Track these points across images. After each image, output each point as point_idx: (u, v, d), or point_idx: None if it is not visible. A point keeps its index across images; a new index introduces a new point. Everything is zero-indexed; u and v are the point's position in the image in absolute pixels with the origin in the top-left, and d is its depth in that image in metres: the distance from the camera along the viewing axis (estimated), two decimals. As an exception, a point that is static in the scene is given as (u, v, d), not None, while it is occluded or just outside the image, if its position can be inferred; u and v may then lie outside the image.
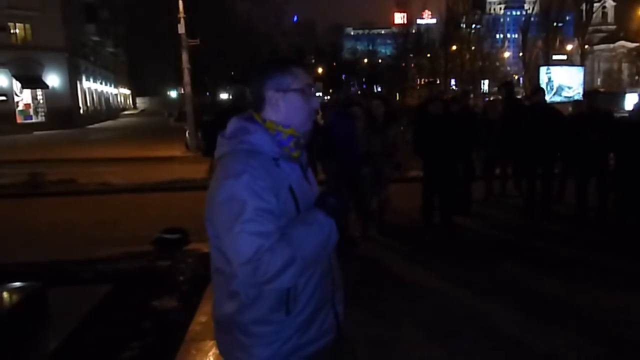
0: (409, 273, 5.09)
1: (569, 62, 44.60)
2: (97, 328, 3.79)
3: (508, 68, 67.87)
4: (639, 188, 6.46)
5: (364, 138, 6.00)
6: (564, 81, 26.80)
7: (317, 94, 28.27)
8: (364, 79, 65.29)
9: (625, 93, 31.03)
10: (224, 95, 43.86)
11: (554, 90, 25.98)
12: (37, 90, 33.17)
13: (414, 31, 58.75)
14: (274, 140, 1.59)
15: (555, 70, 28.20)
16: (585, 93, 7.94)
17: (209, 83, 40.59)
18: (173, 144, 18.30)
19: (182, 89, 21.95)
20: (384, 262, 5.48)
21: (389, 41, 70.55)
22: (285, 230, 1.49)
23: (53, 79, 33.33)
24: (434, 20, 70.22)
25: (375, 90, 54.00)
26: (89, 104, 40.94)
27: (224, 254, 1.55)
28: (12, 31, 31.86)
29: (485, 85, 49.30)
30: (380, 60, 70.88)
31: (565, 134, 6.60)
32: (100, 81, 45.87)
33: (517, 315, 4.00)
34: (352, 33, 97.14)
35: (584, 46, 44.64)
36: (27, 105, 33.00)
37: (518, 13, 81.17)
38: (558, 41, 48.86)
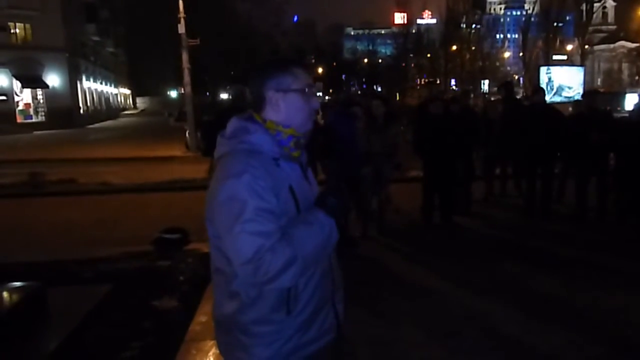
0: (409, 273, 5.09)
1: (569, 62, 44.61)
2: (97, 328, 3.79)
3: (508, 68, 67.87)
4: (639, 188, 6.46)
5: (364, 138, 6.00)
6: (564, 81, 26.80)
7: (318, 94, 28.22)
8: (364, 79, 65.30)
9: (625, 93, 31.03)
10: (224, 95, 43.83)
11: (554, 90, 25.99)
12: (37, 90, 33.17)
13: (414, 31, 58.75)
14: (274, 140, 1.59)
15: (556, 70, 28.20)
16: (584, 93, 7.94)
17: (209, 83, 40.59)
18: (173, 144, 18.31)
19: (182, 89, 21.95)
20: (384, 262, 5.48)
21: (389, 41, 70.55)
22: (285, 230, 1.49)
23: (53, 79, 33.33)
24: (434, 20, 70.19)
25: (376, 90, 53.98)
26: (89, 104, 40.94)
27: (224, 254, 1.55)
28: (12, 31, 31.86)
29: (485, 85, 49.26)
30: (380, 60, 70.88)
31: (565, 134, 6.61)
32: (100, 81, 45.87)
33: (517, 315, 4.00)
34: (352, 33, 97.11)
35: (584, 46, 44.64)
36: (27, 105, 33.00)
37: (518, 13, 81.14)
38: (558, 41, 48.85)
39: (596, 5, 46.40)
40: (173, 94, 59.27)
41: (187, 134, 17.43)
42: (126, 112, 57.86)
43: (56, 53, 32.80)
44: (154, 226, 6.16)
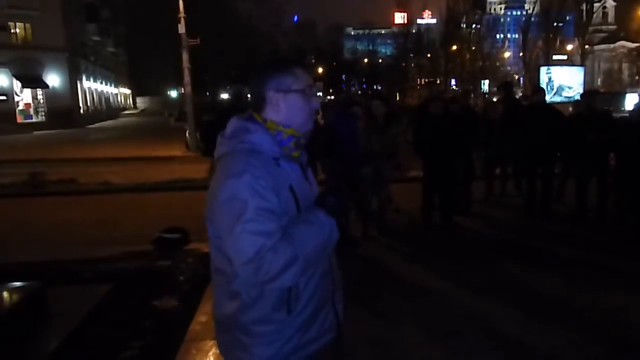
0: (409, 273, 5.09)
1: (569, 62, 44.60)
2: (97, 328, 3.79)
3: (508, 68, 67.87)
4: (639, 188, 6.46)
5: (364, 138, 6.00)
6: (564, 81, 26.80)
7: (318, 94, 28.25)
8: (364, 79, 65.29)
9: (625, 93, 31.04)
10: (224, 95, 43.84)
11: (554, 90, 25.99)
12: (38, 89, 33.18)
13: (414, 31, 58.71)
14: (274, 140, 1.59)
15: (556, 70, 28.20)
16: (583, 93, 7.95)
17: (210, 83, 40.60)
18: (173, 144, 18.31)
19: (183, 89, 21.94)
20: (384, 262, 5.48)
21: (389, 41, 70.52)
22: (286, 229, 1.49)
23: (53, 79, 33.33)
24: (434, 20, 70.18)
25: (377, 90, 54.00)
26: (89, 104, 40.95)
27: (224, 254, 1.55)
28: (12, 31, 31.85)
29: (485, 85, 49.26)
30: (380, 60, 70.88)
31: (565, 134, 6.61)
32: (100, 81, 45.88)
33: (517, 315, 4.00)
34: (352, 33, 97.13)
35: (584, 46, 44.64)
36: (27, 105, 33.01)
37: (518, 13, 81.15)
38: (558, 41, 48.85)
39: (596, 5, 46.40)
40: (173, 93, 59.27)
41: (187, 134, 17.44)
42: (126, 112, 57.86)
43: (56, 53, 32.81)
44: (154, 226, 6.16)
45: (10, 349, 3.33)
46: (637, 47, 54.01)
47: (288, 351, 1.59)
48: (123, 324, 3.81)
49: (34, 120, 32.73)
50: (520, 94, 28.82)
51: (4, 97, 31.20)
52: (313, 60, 64.65)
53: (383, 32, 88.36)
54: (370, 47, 75.76)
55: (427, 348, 3.54)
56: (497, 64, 62.71)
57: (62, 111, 32.74)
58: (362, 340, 3.60)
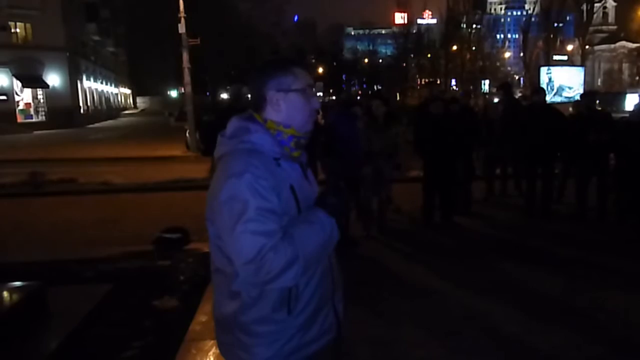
0: (409, 273, 5.09)
1: (569, 63, 44.61)
2: (97, 328, 3.79)
3: (509, 68, 67.91)
4: (639, 188, 6.46)
5: (364, 138, 6.00)
6: (564, 81, 26.78)
7: (318, 94, 28.28)
8: (364, 79, 65.28)
9: (625, 93, 31.05)
10: (224, 95, 43.86)
11: (555, 91, 25.98)
12: (38, 89, 33.19)
13: (414, 31, 58.66)
14: (274, 140, 1.59)
15: (556, 71, 28.18)
16: (582, 94, 7.95)
17: (210, 83, 40.60)
18: (173, 144, 18.31)
19: (183, 89, 21.94)
20: (384, 262, 5.48)
21: (389, 41, 70.56)
22: (287, 229, 1.49)
23: (53, 79, 33.34)
24: (434, 20, 70.21)
25: (377, 90, 54.03)
26: (89, 104, 40.96)
27: (224, 254, 1.55)
28: (12, 30, 31.83)
29: (485, 85, 49.26)
30: (380, 60, 70.89)
31: (565, 134, 6.61)
32: (100, 81, 45.89)
33: (517, 315, 4.00)
34: (352, 33, 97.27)
35: (584, 46, 44.59)
36: (27, 105, 33.01)
37: (519, 13, 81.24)
38: (559, 41, 48.85)
39: (597, 5, 46.33)
40: (173, 93, 59.32)
41: (187, 134, 17.43)
42: (126, 111, 57.88)
43: (56, 52, 32.82)
44: (155, 226, 6.16)
45: (10, 349, 3.33)
46: (638, 47, 54.04)
47: (288, 351, 1.59)
48: (123, 324, 3.81)
49: (34, 120, 32.73)
50: (519, 94, 28.81)
51: (4, 97, 31.20)
52: (313, 60, 64.62)
53: (383, 32, 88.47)
54: (371, 47, 75.82)
55: (427, 348, 3.54)
56: (498, 64, 62.70)
57: (63, 111, 32.75)
58: (362, 340, 3.60)
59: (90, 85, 41.69)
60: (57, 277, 4.64)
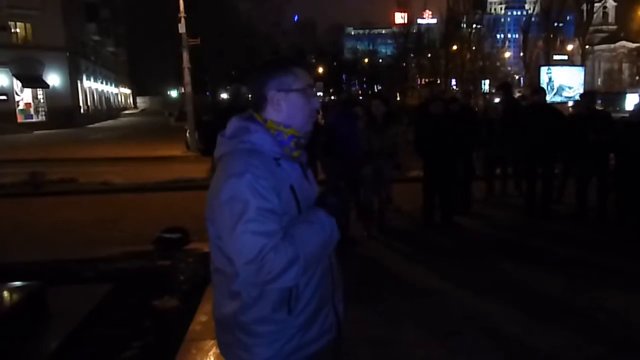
0: (409, 273, 5.09)
1: (569, 62, 44.59)
2: (97, 328, 3.79)
3: (509, 68, 67.87)
4: (639, 188, 6.46)
5: (364, 138, 6.00)
6: (564, 81, 26.78)
7: (318, 94, 28.27)
8: (364, 79, 65.28)
9: (626, 93, 31.04)
10: (224, 95, 43.85)
11: (555, 91, 25.98)
12: (38, 89, 33.20)
13: (414, 31, 58.59)
14: (274, 140, 1.59)
15: (556, 71, 28.18)
16: (582, 94, 7.95)
17: (210, 83, 40.59)
18: (173, 144, 18.31)
19: (183, 89, 21.94)
20: (384, 262, 5.48)
21: (389, 41, 70.55)
22: (287, 229, 1.49)
23: (54, 78, 33.35)
24: (434, 20, 70.16)
25: (378, 90, 54.01)
26: (89, 104, 40.97)
27: (225, 254, 1.55)
28: (12, 30, 31.84)
29: (485, 85, 49.25)
30: (380, 60, 70.88)
31: (565, 134, 6.61)
32: (100, 80, 45.90)
33: (517, 315, 4.00)
34: (352, 33, 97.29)
35: (584, 46, 44.58)
36: (27, 105, 33.02)
37: (519, 13, 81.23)
38: (559, 41, 48.84)
39: (597, 5, 46.32)
40: (173, 93, 59.33)
41: (187, 134, 17.44)
42: (127, 111, 57.89)
43: (56, 52, 32.83)
44: (155, 226, 6.16)
45: (10, 349, 3.33)
46: (638, 47, 54.02)
47: (289, 351, 1.59)
48: (123, 324, 3.81)
49: (34, 120, 32.74)
50: (518, 94, 28.90)
51: (4, 97, 31.20)
52: (313, 60, 64.63)
53: (383, 32, 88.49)
54: (371, 47, 75.84)
55: (427, 348, 3.54)
56: (498, 64, 62.67)
57: (63, 111, 32.76)
58: (362, 340, 3.60)
59: (90, 85, 41.69)
60: (57, 277, 4.64)
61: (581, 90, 24.03)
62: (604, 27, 62.93)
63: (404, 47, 56.23)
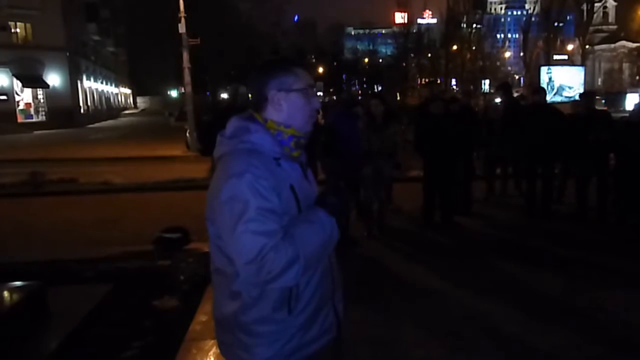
0: (409, 273, 5.09)
1: (569, 62, 44.62)
2: (97, 328, 3.79)
3: (509, 68, 67.84)
4: (639, 188, 6.46)
5: (363, 138, 6.00)
6: (564, 81, 26.81)
7: (319, 94, 28.26)
8: (364, 79, 65.27)
9: (626, 93, 31.03)
10: (224, 95, 43.84)
11: (555, 90, 26.00)
12: (38, 89, 33.21)
13: (414, 31, 58.58)
14: (274, 140, 1.60)
15: (556, 70, 28.22)
16: (582, 94, 7.95)
17: (210, 83, 40.57)
18: (174, 144, 18.31)
19: (183, 89, 21.94)
20: (384, 262, 5.48)
21: (389, 41, 70.57)
22: (287, 229, 1.49)
23: (54, 78, 33.35)
24: (434, 20, 70.20)
25: (376, 89, 54.03)
26: (89, 104, 40.98)
27: (225, 254, 1.55)
28: (12, 30, 31.85)
29: (486, 85, 49.26)
30: (381, 60, 70.87)
31: (565, 134, 6.60)
32: (100, 80, 45.90)
33: (517, 315, 4.00)
34: (352, 33, 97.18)
35: (584, 46, 44.61)
36: (27, 105, 33.03)
37: (519, 13, 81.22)
38: (559, 41, 48.87)
39: (597, 5, 46.35)
40: (174, 93, 59.33)
41: (187, 134, 17.44)
42: (127, 111, 57.90)
43: (57, 52, 32.84)
44: (155, 226, 6.16)
45: (10, 349, 3.33)
46: (638, 47, 54.05)
47: (289, 351, 1.59)
48: (123, 324, 3.81)
49: (34, 119, 32.75)
50: (517, 94, 28.91)
51: (4, 97, 31.21)
52: (313, 60, 64.59)
53: (383, 31, 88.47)
54: (371, 47, 75.82)
55: (427, 348, 3.54)
56: (498, 63, 62.67)
57: (63, 111, 32.76)
58: (362, 340, 3.60)
59: (91, 85, 41.70)
60: (57, 277, 4.64)
61: (581, 90, 24.06)
62: (604, 27, 62.96)
63: (404, 47, 56.23)
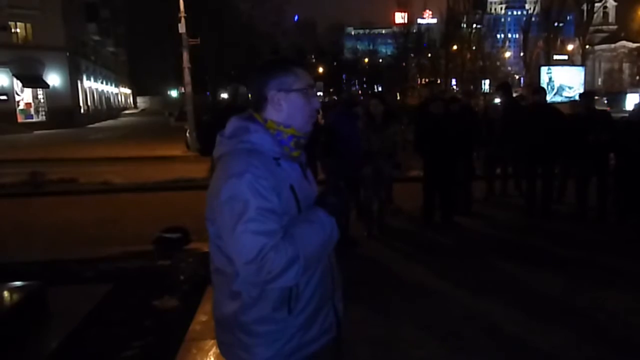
0: (409, 273, 5.09)
1: (569, 62, 44.66)
2: (98, 327, 3.79)
3: (509, 68, 67.89)
4: (639, 188, 6.46)
5: (363, 137, 6.00)
6: (564, 81, 26.82)
7: (319, 94, 28.26)
8: (364, 79, 65.27)
9: (626, 93, 31.04)
10: (224, 95, 43.85)
11: (555, 90, 26.00)
12: (38, 89, 33.22)
13: (414, 31, 58.64)
14: (274, 140, 1.60)
15: (556, 70, 28.23)
16: (581, 94, 7.95)
17: (210, 83, 40.57)
18: (174, 144, 18.31)
19: (183, 89, 21.93)
20: (384, 262, 5.48)
21: (389, 41, 70.63)
22: (287, 229, 1.49)
23: (54, 78, 33.36)
24: (434, 20, 70.30)
25: (376, 89, 54.03)
26: (89, 103, 40.98)
27: (225, 254, 1.56)
28: (12, 30, 31.86)
29: (486, 85, 49.28)
30: (381, 60, 70.89)
31: (565, 134, 6.60)
32: (100, 80, 45.91)
33: (517, 315, 4.00)
34: (352, 33, 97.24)
35: (585, 46, 44.63)
36: (27, 105, 33.04)
37: (519, 13, 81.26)
38: (559, 41, 48.89)
39: (597, 5, 46.36)
40: (174, 93, 59.37)
41: (187, 134, 17.44)
42: (127, 111, 57.91)
43: (57, 52, 32.84)
44: (155, 226, 6.16)
45: (10, 349, 3.33)
46: (638, 47, 54.06)
47: (289, 351, 1.59)
48: (123, 324, 3.81)
49: (34, 119, 32.76)
50: (516, 94, 28.91)
51: (4, 97, 31.22)
52: (313, 60, 64.61)
53: (383, 31, 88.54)
54: (371, 47, 75.89)
55: (427, 348, 3.54)
56: (498, 63, 62.70)
57: (63, 111, 32.77)
58: (362, 340, 3.60)
59: (91, 85, 41.70)
60: (57, 277, 4.63)
61: (581, 90, 24.06)
62: (604, 27, 62.98)
63: (404, 47, 56.26)
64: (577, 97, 8.96)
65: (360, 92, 55.32)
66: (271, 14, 44.64)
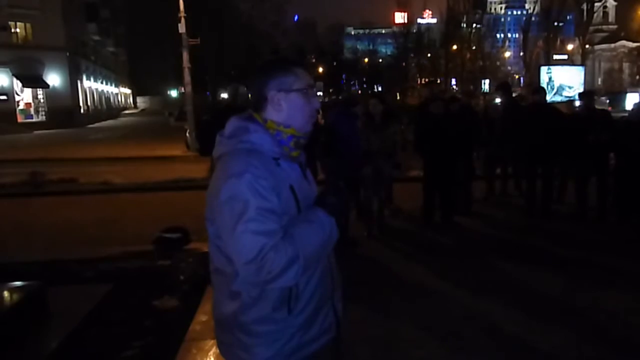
0: (409, 273, 5.08)
1: (569, 62, 44.66)
2: (98, 327, 3.79)
3: (509, 68, 67.90)
4: (639, 188, 6.46)
5: (363, 137, 6.00)
6: (564, 81, 26.83)
7: (319, 94, 28.26)
8: (364, 79, 65.28)
9: (626, 93, 31.04)
10: (224, 95, 43.86)
11: (555, 90, 26.00)
12: (38, 89, 33.22)
13: (414, 31, 58.66)
14: (274, 140, 1.59)
15: (556, 70, 28.24)
16: (581, 93, 7.95)
17: (210, 83, 40.58)
18: (173, 144, 18.30)
19: (183, 89, 21.93)
20: (384, 262, 5.48)
21: (389, 41, 70.63)
22: (287, 229, 1.49)
23: (54, 78, 33.35)
24: (434, 20, 70.32)
25: (376, 89, 54.02)
26: (89, 103, 40.98)
27: (224, 254, 1.56)
28: (12, 30, 31.86)
29: (486, 85, 49.29)
30: (380, 60, 70.89)
31: (565, 134, 6.60)
32: (100, 80, 45.90)
33: (517, 315, 4.00)
34: (352, 32, 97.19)
35: (584, 46, 44.64)
36: (27, 105, 33.04)
37: (519, 12, 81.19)
38: (559, 41, 48.92)
39: (597, 4, 46.37)
40: (174, 93, 59.37)
41: (187, 134, 17.44)
42: (127, 111, 57.90)
43: (57, 52, 32.84)
44: (154, 226, 6.15)
45: (10, 349, 3.33)
46: (638, 46, 54.07)
47: (289, 351, 1.59)
48: (123, 324, 3.81)
49: (34, 119, 32.76)
50: (515, 94, 28.90)
51: (4, 97, 31.22)
52: (313, 60, 64.58)
53: (383, 31, 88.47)
54: (371, 47, 75.88)
55: (427, 348, 3.54)
56: (498, 63, 62.74)
57: (63, 111, 32.77)
58: (361, 340, 3.59)
59: (91, 85, 41.70)
60: (57, 277, 4.64)
61: (581, 90, 24.06)
62: (604, 27, 62.95)
63: (404, 47, 56.28)
64: (576, 97, 8.96)
65: (360, 92, 55.33)
66: (271, 13, 44.71)
